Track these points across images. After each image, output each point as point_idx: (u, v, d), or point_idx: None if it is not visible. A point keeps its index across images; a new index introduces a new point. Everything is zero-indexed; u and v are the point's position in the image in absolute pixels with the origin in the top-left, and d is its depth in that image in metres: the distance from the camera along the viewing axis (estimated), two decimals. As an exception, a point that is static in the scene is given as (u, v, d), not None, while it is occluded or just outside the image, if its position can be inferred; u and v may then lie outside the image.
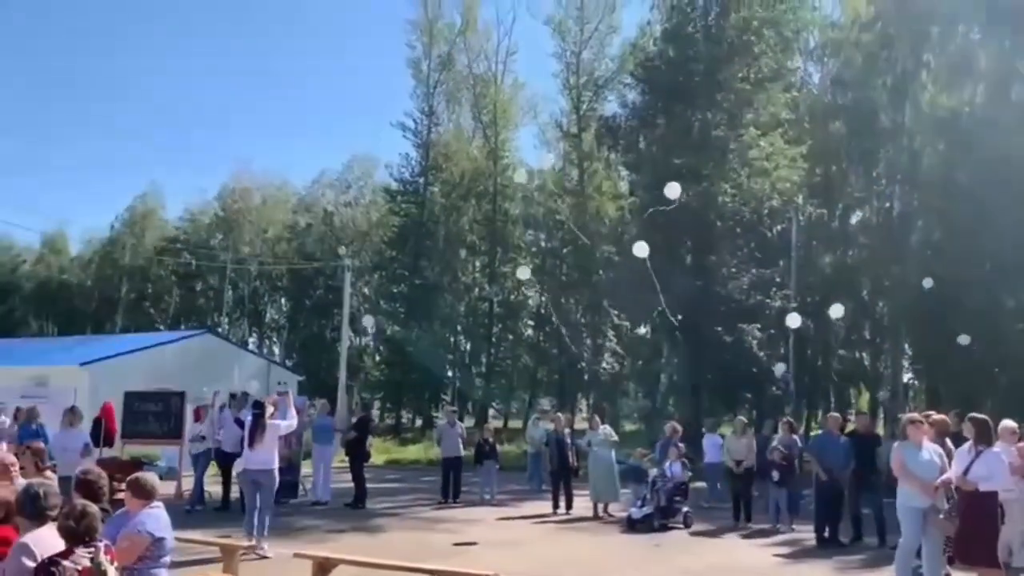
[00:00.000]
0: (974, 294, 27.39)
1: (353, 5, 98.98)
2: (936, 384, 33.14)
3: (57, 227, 63.94)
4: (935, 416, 10.35)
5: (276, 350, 59.01)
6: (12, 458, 6.53)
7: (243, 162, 67.21)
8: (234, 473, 14.18)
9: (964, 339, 24.39)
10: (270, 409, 11.03)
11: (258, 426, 10.65)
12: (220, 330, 49.57)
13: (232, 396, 16.56)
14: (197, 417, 15.99)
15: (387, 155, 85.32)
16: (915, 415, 9.36)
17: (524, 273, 30.97)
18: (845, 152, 37.42)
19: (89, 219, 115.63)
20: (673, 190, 19.08)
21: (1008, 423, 9.60)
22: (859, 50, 37.06)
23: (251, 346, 52.62)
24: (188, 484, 15.64)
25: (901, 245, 33.13)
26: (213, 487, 15.52)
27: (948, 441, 9.38)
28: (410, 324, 43.22)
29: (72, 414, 12.23)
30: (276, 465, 10.97)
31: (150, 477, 5.79)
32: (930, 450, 8.61)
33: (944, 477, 8.30)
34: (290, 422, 11.32)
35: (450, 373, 47.59)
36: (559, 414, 17.97)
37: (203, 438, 15.40)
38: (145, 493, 5.60)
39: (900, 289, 31.83)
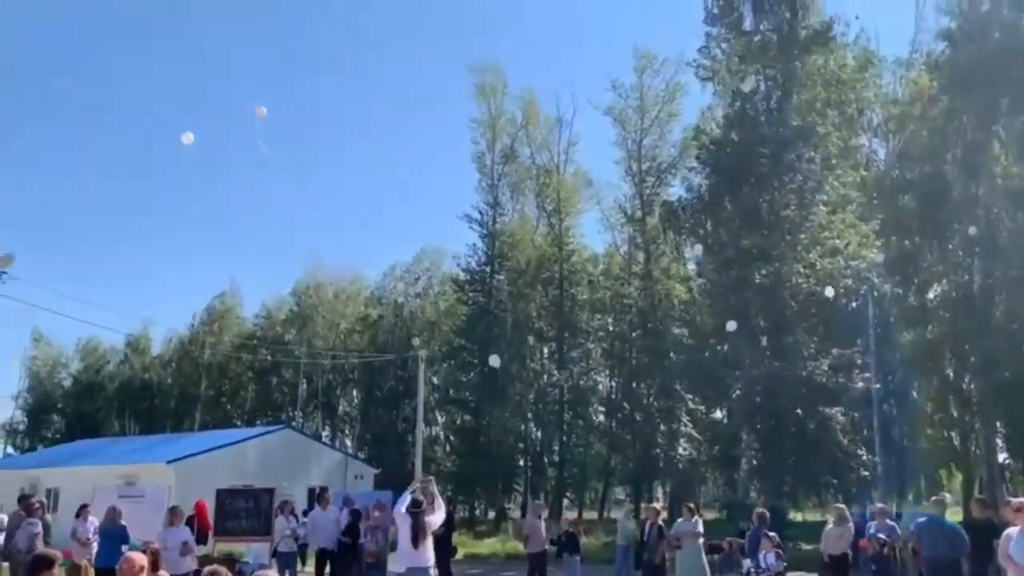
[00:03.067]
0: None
1: (418, 104, 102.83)
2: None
3: (141, 326, 66.39)
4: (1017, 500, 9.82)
5: (348, 442, 59.40)
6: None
7: (316, 256, 69.10)
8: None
9: None
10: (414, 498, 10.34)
11: (419, 524, 9.76)
12: (294, 423, 50.27)
13: (313, 491, 16.72)
14: (280, 512, 16.15)
15: (454, 246, 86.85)
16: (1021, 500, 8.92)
17: (495, 361, 31.42)
18: (918, 226, 36.85)
19: (166, 312, 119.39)
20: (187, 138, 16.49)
21: None
22: (924, 124, 36.91)
23: (324, 439, 53.10)
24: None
25: (985, 319, 32.13)
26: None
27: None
28: (481, 413, 43.22)
29: (173, 513, 12.54)
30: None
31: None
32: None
33: None
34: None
35: (522, 462, 47.15)
36: (654, 505, 17.58)
37: (295, 536, 15.50)
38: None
39: (987, 365, 30.73)
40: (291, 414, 56.44)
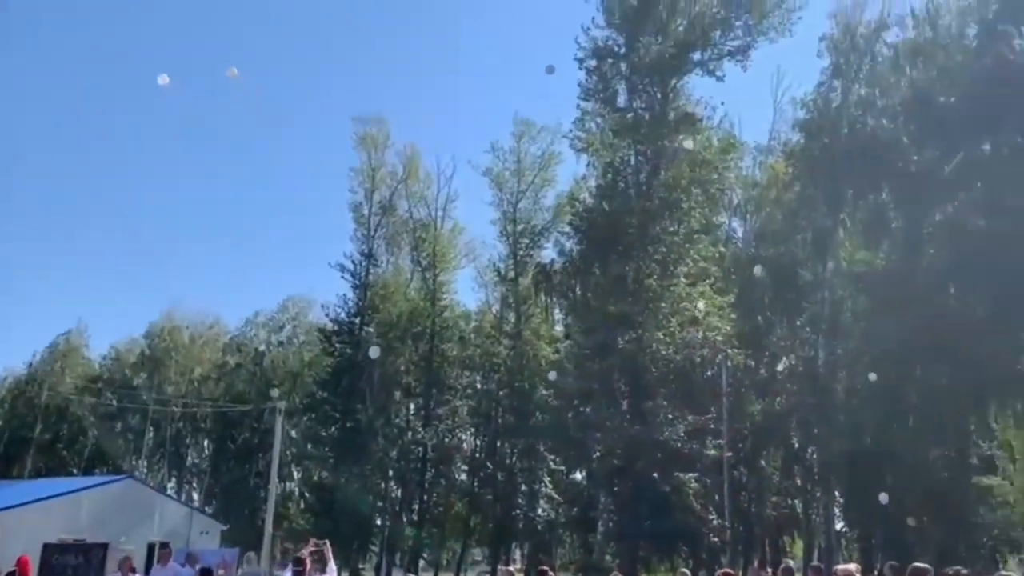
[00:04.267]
0: (901, 445, 28.18)
1: (294, 146, 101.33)
2: (869, 533, 33.35)
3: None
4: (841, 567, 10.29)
5: (196, 496, 56.22)
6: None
7: (174, 299, 66.20)
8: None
9: (883, 497, 24.91)
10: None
11: None
12: (137, 474, 47.20)
13: (153, 547, 15.66)
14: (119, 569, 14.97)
15: (323, 296, 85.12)
16: (847, 566, 9.45)
17: (374, 352, 31.03)
18: (770, 302, 39.14)
19: (5, 350, 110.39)
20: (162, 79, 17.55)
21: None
22: (779, 208, 39.55)
23: (170, 491, 50.07)
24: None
25: (827, 393, 34.18)
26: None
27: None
28: (340, 469, 41.94)
29: (-14, 570, 11.40)
30: None
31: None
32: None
33: None
34: None
35: (379, 521, 45.89)
36: (509, 568, 17.33)
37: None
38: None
39: (829, 438, 32.58)
40: (134, 463, 52.97)
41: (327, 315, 47.87)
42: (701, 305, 31.44)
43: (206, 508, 46.80)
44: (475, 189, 61.37)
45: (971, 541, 29.00)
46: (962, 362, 27.73)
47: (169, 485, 55.43)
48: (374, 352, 30.97)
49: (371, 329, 45.90)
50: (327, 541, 10.44)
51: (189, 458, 59.13)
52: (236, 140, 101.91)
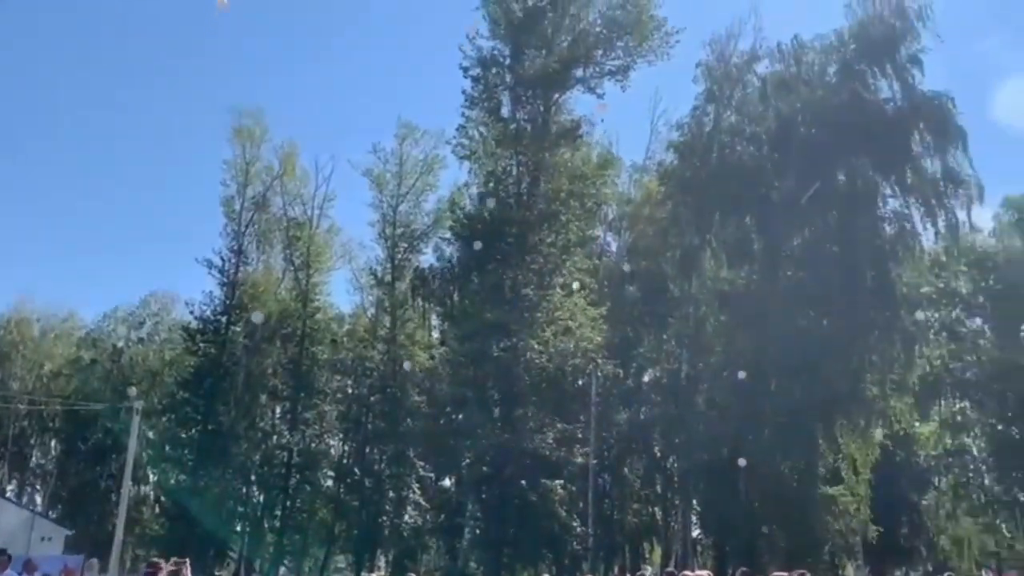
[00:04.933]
0: (756, 456, 29.63)
1: (164, 135, 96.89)
2: (723, 540, 34.85)
3: None
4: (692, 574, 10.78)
5: (39, 499, 52.63)
6: None
7: (26, 290, 61.89)
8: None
9: (742, 461, 26.27)
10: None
11: None
12: (-28, 475, 43.77)
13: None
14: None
15: (188, 292, 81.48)
16: (700, 572, 9.95)
17: (257, 318, 30.37)
18: (639, 316, 40.44)
19: None
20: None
21: None
22: (651, 225, 40.93)
23: (10, 494, 46.66)
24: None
25: (689, 405, 35.59)
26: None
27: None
28: (198, 473, 40.25)
29: None
30: None
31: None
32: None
33: None
34: None
35: (239, 527, 44.29)
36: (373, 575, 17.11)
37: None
38: None
39: (689, 447, 33.89)
40: (-32, 464, 49.07)
41: (192, 312, 45.88)
42: (575, 315, 32.16)
43: (50, 512, 43.88)
44: (354, 190, 60.26)
45: (815, 548, 30.78)
46: (813, 378, 29.47)
47: (10, 488, 51.66)
48: (256, 317, 29.90)
49: (238, 329, 44.35)
50: (187, 560, 10.15)
51: (34, 459, 55.33)
52: (100, 124, 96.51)
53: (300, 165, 47.23)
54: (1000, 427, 43.52)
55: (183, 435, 43.07)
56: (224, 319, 44.19)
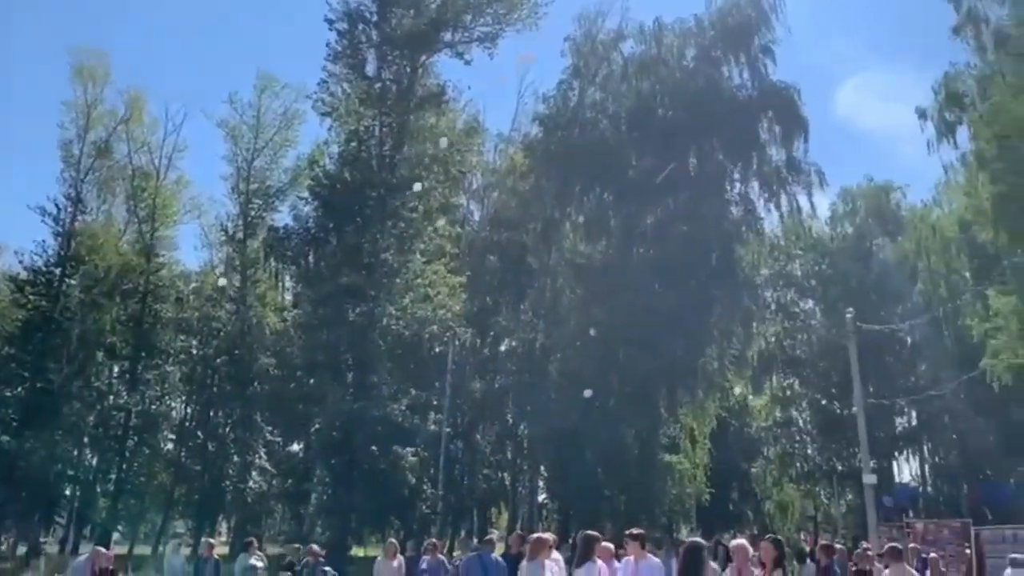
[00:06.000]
0: (602, 424, 30.68)
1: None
2: (568, 505, 35.98)
3: None
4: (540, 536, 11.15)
5: None
6: None
7: None
8: None
9: (587, 392, 27.34)
10: None
11: None
12: None
13: None
14: None
15: (18, 241, 75.41)
16: (543, 535, 10.40)
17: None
18: (498, 285, 40.82)
19: None
20: None
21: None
22: (514, 196, 41.24)
23: None
24: None
25: (542, 374, 36.34)
26: None
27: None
28: (24, 434, 37.57)
29: None
30: None
31: None
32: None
33: None
34: None
35: (68, 492, 41.79)
36: (211, 540, 16.53)
37: None
38: None
39: (540, 415, 34.66)
40: None
41: (21, 262, 42.48)
42: (435, 283, 32.03)
43: None
44: (208, 142, 57.42)
45: (652, 511, 32.34)
46: (658, 351, 30.71)
47: None
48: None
49: (73, 282, 41.40)
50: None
51: None
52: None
53: (148, 111, 44.40)
54: (824, 402, 47.13)
55: (8, 393, 39.98)
56: (58, 271, 41.14)
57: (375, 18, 34.26)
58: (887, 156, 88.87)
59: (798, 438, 50.59)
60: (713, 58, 34.80)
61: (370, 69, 34.62)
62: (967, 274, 38.38)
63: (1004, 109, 24.16)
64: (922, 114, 31.52)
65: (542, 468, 39.69)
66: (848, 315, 23.53)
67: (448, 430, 32.43)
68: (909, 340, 43.79)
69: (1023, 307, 24.55)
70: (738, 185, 35.30)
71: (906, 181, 61.91)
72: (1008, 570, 13.97)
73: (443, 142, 33.59)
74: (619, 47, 37.68)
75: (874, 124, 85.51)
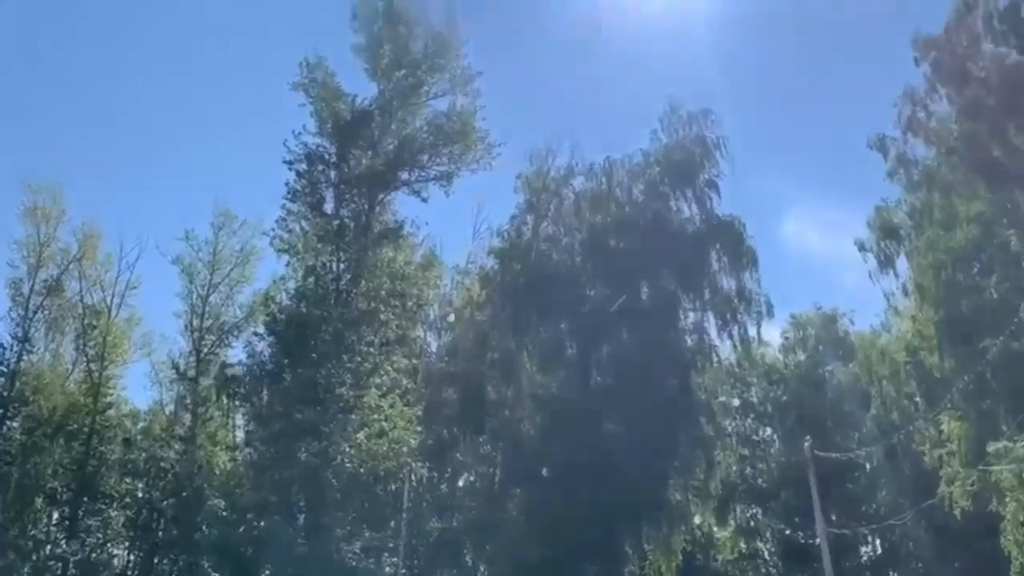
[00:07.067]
0: (564, 562, 29.75)
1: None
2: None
3: None
4: None
5: None
6: None
7: None
8: None
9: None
10: None
11: None
12: None
13: None
14: None
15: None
16: None
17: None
18: (456, 418, 40.29)
19: None
20: None
21: None
22: (471, 328, 41.41)
23: None
24: None
25: (503, 510, 35.42)
26: None
27: None
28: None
29: None
30: None
31: None
32: None
33: None
34: None
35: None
36: None
37: None
38: None
39: (500, 554, 33.54)
40: None
41: (-39, 403, 41.00)
42: (390, 416, 31.47)
43: None
44: (162, 279, 56.80)
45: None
46: (619, 484, 30.25)
47: None
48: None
49: (16, 424, 40.05)
50: None
51: None
52: None
53: (102, 248, 44.19)
54: (788, 532, 46.41)
55: (-65, 546, 37.74)
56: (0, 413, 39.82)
57: (334, 159, 35.13)
58: (834, 283, 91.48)
59: (764, 570, 49.44)
60: (661, 193, 36.21)
61: (328, 207, 35.16)
62: (918, 399, 38.88)
63: (937, 242, 25.27)
64: (861, 246, 32.75)
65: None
66: (806, 443, 23.59)
67: (404, 572, 31.11)
68: (868, 466, 43.78)
69: (974, 432, 24.84)
70: (691, 314, 36.02)
71: (854, 307, 63.18)
72: None
73: (400, 275, 33.89)
74: (570, 183, 39.08)
75: (819, 253, 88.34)
